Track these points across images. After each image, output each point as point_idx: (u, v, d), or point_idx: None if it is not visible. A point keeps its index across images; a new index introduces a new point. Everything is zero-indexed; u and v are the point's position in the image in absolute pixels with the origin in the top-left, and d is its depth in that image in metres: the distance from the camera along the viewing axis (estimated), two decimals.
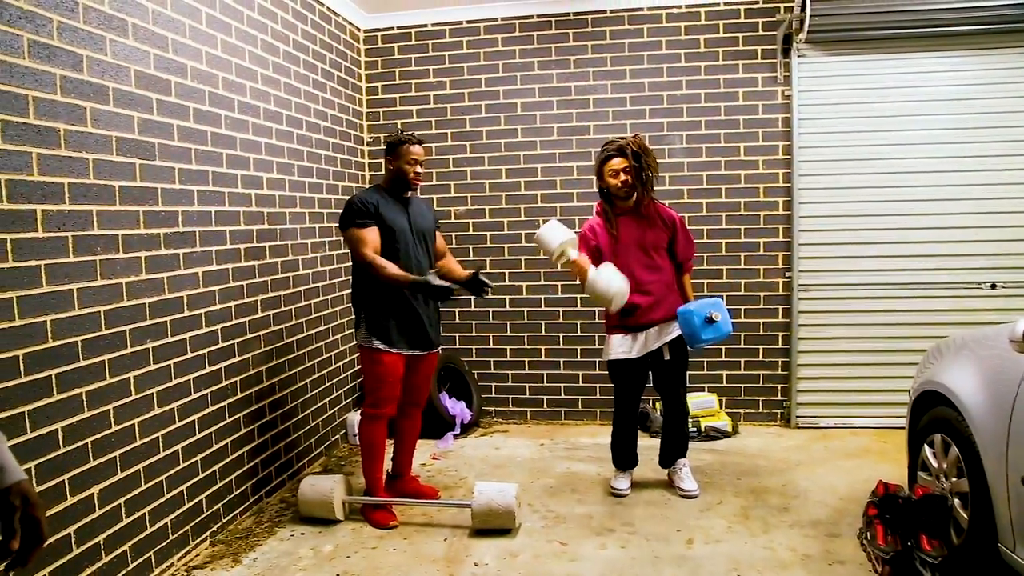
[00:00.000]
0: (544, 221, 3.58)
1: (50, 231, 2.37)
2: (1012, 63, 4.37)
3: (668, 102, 4.73)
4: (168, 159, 2.96)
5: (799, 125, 4.57)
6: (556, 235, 3.39)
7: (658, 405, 4.54)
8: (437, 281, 3.12)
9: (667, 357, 3.56)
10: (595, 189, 4.71)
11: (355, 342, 3.46)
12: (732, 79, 4.66)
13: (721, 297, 3.64)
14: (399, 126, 4.89)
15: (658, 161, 3.57)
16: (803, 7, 4.30)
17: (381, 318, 3.31)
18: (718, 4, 4.63)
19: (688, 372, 3.74)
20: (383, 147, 3.56)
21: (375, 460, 3.42)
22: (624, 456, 3.73)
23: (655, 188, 3.57)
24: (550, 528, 3.30)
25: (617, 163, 3.47)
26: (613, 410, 3.73)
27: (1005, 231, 4.43)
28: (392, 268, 3.19)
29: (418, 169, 3.39)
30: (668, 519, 3.36)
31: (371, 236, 3.25)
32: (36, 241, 2.32)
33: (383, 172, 3.60)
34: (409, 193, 3.47)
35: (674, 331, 3.52)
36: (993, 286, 4.46)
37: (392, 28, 4.97)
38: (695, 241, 3.79)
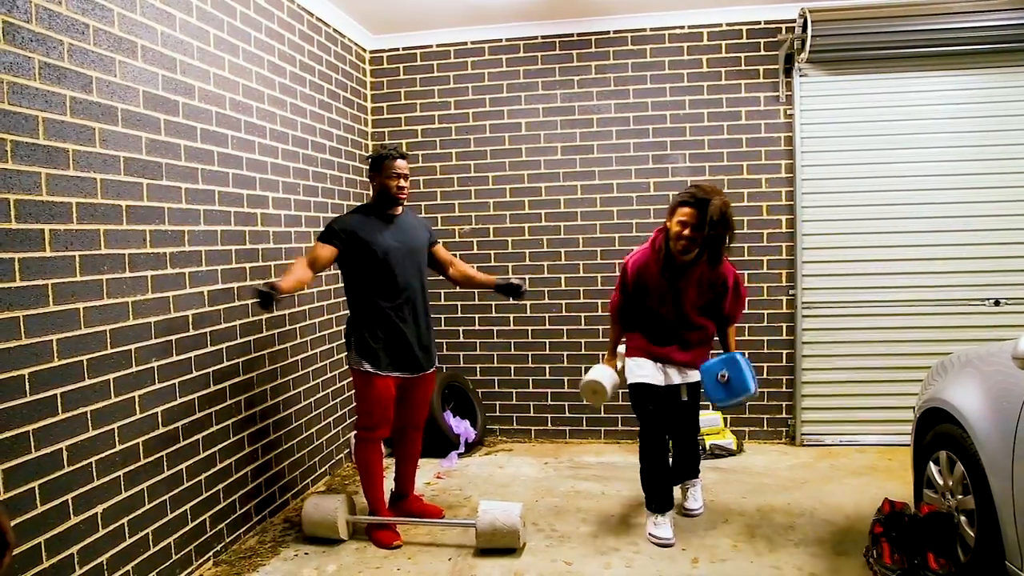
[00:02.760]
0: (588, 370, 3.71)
1: (57, 250, 2.39)
2: (1011, 81, 4.39)
3: (671, 121, 4.76)
4: (175, 179, 2.99)
5: (801, 144, 4.59)
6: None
7: None
8: (263, 284, 2.86)
9: (684, 398, 3.43)
10: (603, 208, 4.83)
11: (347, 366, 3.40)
12: (734, 98, 4.69)
13: (742, 353, 3.35)
14: (404, 144, 4.92)
15: (734, 229, 3.16)
16: (804, 27, 4.33)
17: (370, 341, 3.29)
18: (720, 25, 4.67)
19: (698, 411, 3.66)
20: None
21: (374, 481, 3.41)
22: (660, 494, 3.35)
23: (724, 258, 3.25)
24: (555, 547, 3.29)
25: (687, 214, 3.10)
26: (639, 443, 3.43)
27: (1008, 247, 4.44)
28: (289, 272, 3.08)
29: (401, 183, 3.27)
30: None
31: (319, 251, 3.21)
32: (43, 260, 2.34)
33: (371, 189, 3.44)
34: (399, 209, 3.38)
35: (694, 375, 3.40)
36: (997, 303, 4.46)
37: (397, 49, 5.03)
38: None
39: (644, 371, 3.37)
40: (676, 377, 3.40)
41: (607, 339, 4.75)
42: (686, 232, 3.11)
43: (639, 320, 3.46)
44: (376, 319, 3.29)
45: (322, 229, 3.34)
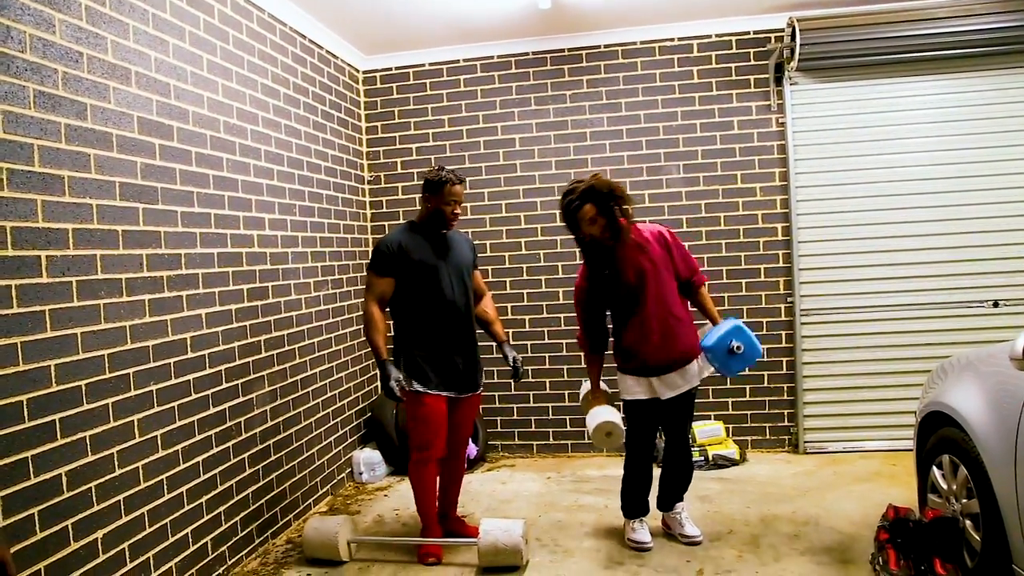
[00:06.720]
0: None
1: (54, 276, 2.40)
2: (998, 84, 4.44)
3: (664, 133, 4.79)
4: (171, 203, 3.00)
5: (794, 151, 4.62)
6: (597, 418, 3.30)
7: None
8: (391, 384, 3.14)
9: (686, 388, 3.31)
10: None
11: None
12: (726, 108, 4.72)
13: (736, 316, 3.37)
14: (399, 164, 4.95)
15: (629, 195, 3.23)
16: (793, 36, 4.37)
17: (418, 360, 3.29)
18: (710, 36, 4.71)
19: (695, 401, 3.63)
20: (421, 182, 3.39)
21: (428, 500, 3.39)
22: (642, 501, 3.45)
23: (629, 224, 3.20)
24: (559, 563, 3.26)
25: (588, 211, 3.13)
26: (628, 450, 3.42)
27: (1004, 248, 4.45)
28: (375, 333, 3.22)
29: (457, 209, 3.33)
30: (678, 549, 3.32)
31: (382, 287, 3.28)
32: (40, 287, 2.35)
33: (419, 208, 3.43)
34: (445, 230, 3.40)
35: (694, 379, 3.28)
36: (995, 304, 4.46)
37: (390, 68, 5.06)
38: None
39: (640, 387, 3.29)
40: (676, 388, 3.27)
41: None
42: (598, 224, 3.14)
43: (616, 332, 3.37)
44: (425, 338, 3.30)
45: (369, 258, 3.31)
